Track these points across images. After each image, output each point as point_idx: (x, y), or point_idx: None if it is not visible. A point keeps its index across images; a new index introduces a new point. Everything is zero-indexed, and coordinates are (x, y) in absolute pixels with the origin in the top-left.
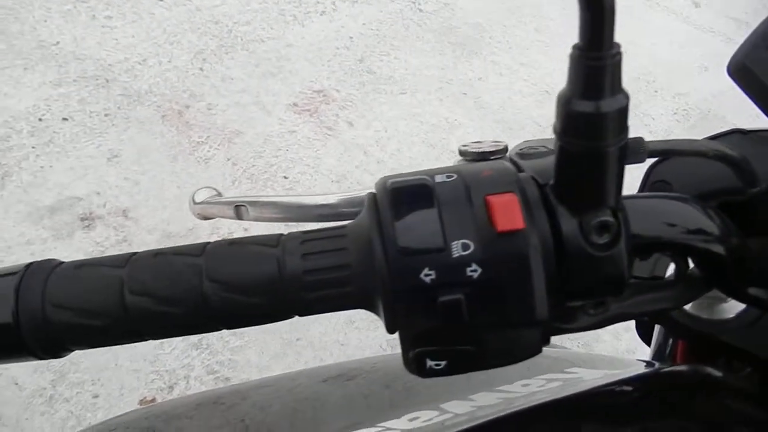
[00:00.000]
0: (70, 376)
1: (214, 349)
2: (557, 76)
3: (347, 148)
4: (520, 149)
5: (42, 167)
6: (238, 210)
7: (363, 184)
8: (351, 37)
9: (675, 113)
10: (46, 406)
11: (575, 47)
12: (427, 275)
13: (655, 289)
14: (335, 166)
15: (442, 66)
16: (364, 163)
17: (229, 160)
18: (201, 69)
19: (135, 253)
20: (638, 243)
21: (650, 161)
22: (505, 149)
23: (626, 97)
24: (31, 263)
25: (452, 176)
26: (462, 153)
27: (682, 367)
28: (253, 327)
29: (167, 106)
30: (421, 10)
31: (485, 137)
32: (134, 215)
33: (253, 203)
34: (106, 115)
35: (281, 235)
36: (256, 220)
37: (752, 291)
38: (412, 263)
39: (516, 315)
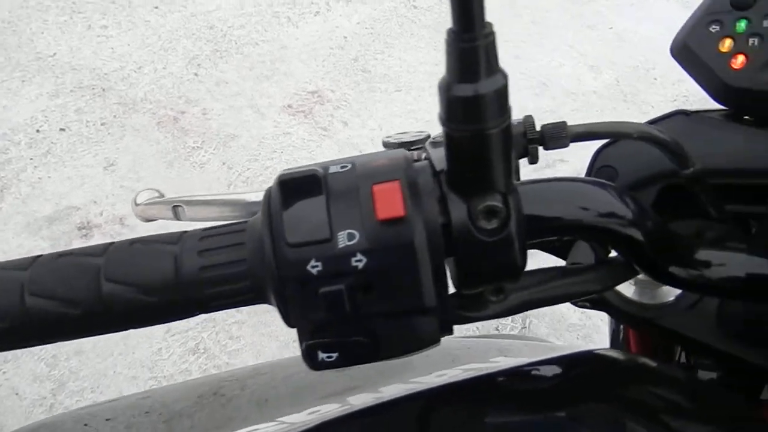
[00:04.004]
0: (69, 385)
1: (212, 353)
2: (553, 67)
3: (342, 147)
4: (434, 138)
5: (40, 178)
6: (176, 210)
7: None
8: (345, 37)
9: (674, 100)
10: (47, 415)
11: (448, 31)
12: (313, 267)
13: (573, 273)
14: None
15: (436, 62)
16: None
17: (224, 164)
18: (196, 74)
19: (39, 256)
20: (537, 227)
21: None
22: (427, 138)
23: (504, 77)
24: None
25: (346, 166)
26: (385, 144)
27: (606, 352)
28: (249, 330)
29: (162, 112)
30: (415, 7)
31: None
32: (131, 222)
33: (188, 202)
34: (102, 124)
35: (184, 232)
36: (193, 220)
37: (673, 270)
38: (299, 255)
39: (405, 303)
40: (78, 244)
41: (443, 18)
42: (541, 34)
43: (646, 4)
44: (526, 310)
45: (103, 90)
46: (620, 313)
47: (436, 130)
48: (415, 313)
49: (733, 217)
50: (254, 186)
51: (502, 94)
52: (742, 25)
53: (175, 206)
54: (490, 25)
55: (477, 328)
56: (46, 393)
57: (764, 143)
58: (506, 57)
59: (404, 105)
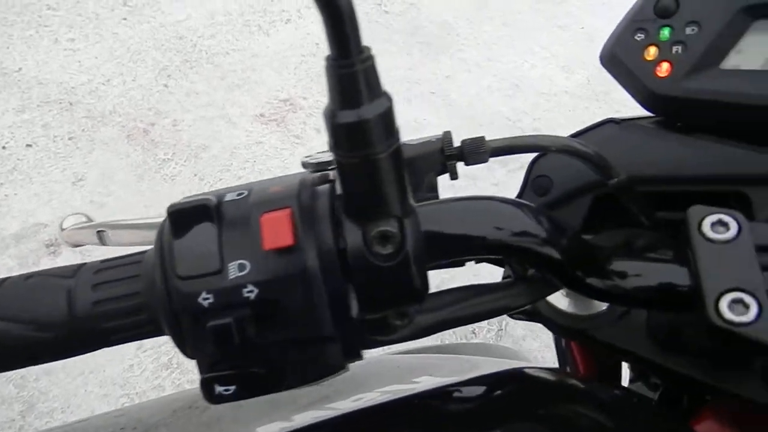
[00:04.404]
0: (39, 406)
1: (185, 368)
2: (526, 69)
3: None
4: None
5: (6, 195)
6: (100, 235)
7: None
8: (317, 44)
9: None
10: None
11: (327, 59)
12: (205, 299)
13: (491, 291)
14: None
15: (409, 66)
16: None
17: (195, 175)
18: (166, 85)
19: None
20: (443, 247)
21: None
22: None
23: (388, 99)
24: None
25: (243, 194)
26: (304, 165)
27: (533, 372)
28: None
29: (132, 125)
30: (386, 12)
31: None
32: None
33: (113, 227)
34: (70, 138)
35: (83, 264)
36: (118, 244)
37: (591, 282)
38: (190, 288)
39: (302, 332)
40: (46, 262)
41: (416, 22)
42: (513, 35)
43: (617, 3)
44: (441, 331)
45: (71, 104)
46: (554, 324)
47: (408, 134)
48: (315, 341)
49: (665, 224)
50: None
51: (388, 117)
52: (665, 32)
53: (99, 231)
54: (367, 49)
55: (447, 336)
56: (15, 415)
57: (691, 150)
58: (479, 59)
59: None
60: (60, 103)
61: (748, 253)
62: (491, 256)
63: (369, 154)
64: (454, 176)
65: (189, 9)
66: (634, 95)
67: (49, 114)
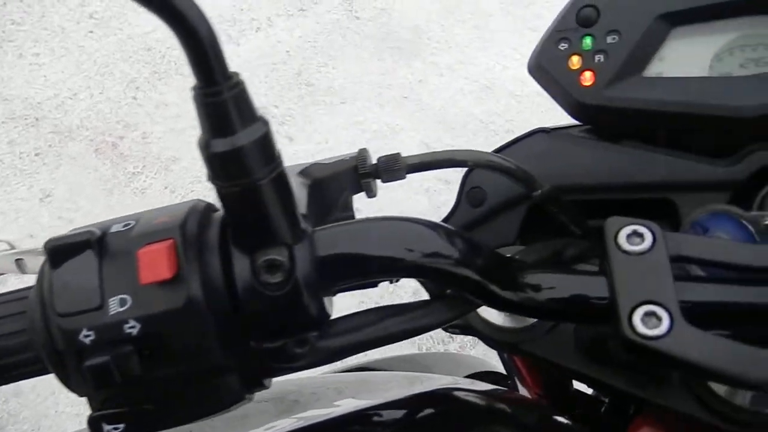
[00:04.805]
0: (8, 429)
1: None
2: (498, 71)
3: (288, 163)
4: None
5: None
6: (19, 263)
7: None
8: (288, 51)
9: None
10: None
11: (194, 89)
12: (86, 336)
13: (407, 311)
14: None
15: (382, 72)
16: None
17: (166, 188)
18: (134, 98)
19: None
20: (345, 270)
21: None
22: None
23: (265, 124)
24: None
25: (129, 224)
26: None
27: (458, 393)
28: None
29: (100, 139)
30: (358, 18)
31: (427, 139)
32: None
33: (32, 253)
34: (36, 154)
35: None
36: (35, 273)
37: (506, 296)
38: (70, 325)
39: (193, 366)
40: (14, 281)
41: (387, 27)
42: (485, 38)
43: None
44: (355, 354)
45: (37, 119)
46: (487, 338)
47: (381, 140)
48: (208, 374)
49: (597, 233)
50: None
51: (265, 142)
52: (588, 41)
53: (17, 260)
54: (236, 74)
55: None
56: None
57: (618, 158)
58: (451, 62)
59: (350, 117)
60: (26, 118)
61: (663, 264)
62: (400, 277)
63: (249, 181)
64: (370, 194)
65: (157, 20)
66: (561, 104)
67: (15, 130)
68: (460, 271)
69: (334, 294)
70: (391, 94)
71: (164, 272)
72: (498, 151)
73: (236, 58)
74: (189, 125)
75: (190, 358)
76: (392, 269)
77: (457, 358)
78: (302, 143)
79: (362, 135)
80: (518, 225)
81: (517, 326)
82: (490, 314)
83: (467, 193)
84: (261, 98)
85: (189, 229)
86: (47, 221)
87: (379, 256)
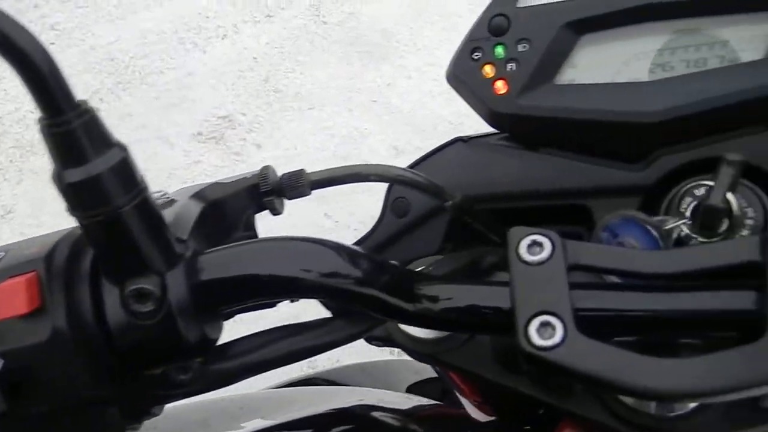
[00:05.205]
0: None
1: None
2: None
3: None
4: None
5: None
6: None
7: None
8: (255, 58)
9: None
10: None
11: (40, 120)
12: None
13: (310, 329)
14: None
15: (350, 76)
16: None
17: None
18: (98, 109)
19: None
20: (233, 293)
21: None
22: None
23: (122, 149)
24: None
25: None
26: None
27: (374, 414)
28: None
29: None
30: (325, 23)
31: (397, 143)
32: None
33: None
34: None
35: None
36: None
37: (407, 308)
38: None
39: (65, 400)
40: None
41: (356, 32)
42: (453, 39)
43: None
44: (252, 375)
45: None
46: (407, 349)
47: (350, 145)
48: (83, 408)
49: None
50: None
51: (124, 168)
52: (500, 50)
53: None
54: (84, 102)
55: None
56: None
57: (533, 165)
58: (419, 64)
59: (318, 122)
60: None
61: (560, 273)
62: (297, 298)
63: (109, 210)
64: (274, 212)
65: (120, 30)
66: (477, 113)
67: None
68: (359, 289)
69: (226, 317)
70: (359, 98)
71: (22, 307)
72: (418, 161)
73: (202, 66)
74: (154, 136)
75: (62, 392)
76: (287, 290)
77: (415, 366)
78: (270, 150)
79: (331, 140)
80: (442, 234)
81: (433, 337)
82: (408, 326)
83: (392, 204)
84: (228, 106)
85: (56, 260)
86: (8, 237)
87: (270, 277)
